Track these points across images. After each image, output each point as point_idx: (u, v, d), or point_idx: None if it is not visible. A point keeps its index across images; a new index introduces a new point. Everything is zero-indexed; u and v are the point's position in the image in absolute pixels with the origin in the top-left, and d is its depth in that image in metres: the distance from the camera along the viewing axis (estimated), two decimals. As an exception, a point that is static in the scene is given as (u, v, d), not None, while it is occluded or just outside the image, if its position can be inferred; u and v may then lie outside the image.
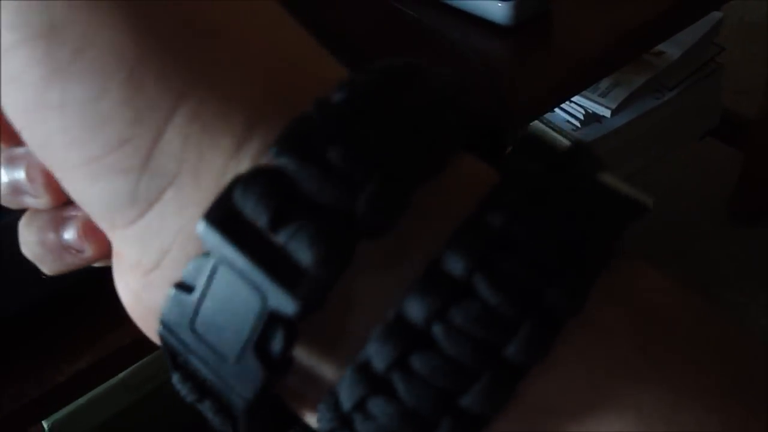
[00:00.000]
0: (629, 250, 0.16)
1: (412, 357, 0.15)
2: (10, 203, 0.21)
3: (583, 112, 1.18)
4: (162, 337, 0.17)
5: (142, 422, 0.77)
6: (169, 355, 0.17)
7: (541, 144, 0.17)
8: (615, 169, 1.26)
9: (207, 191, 0.16)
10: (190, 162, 0.16)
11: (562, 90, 0.76)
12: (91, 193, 0.17)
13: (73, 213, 0.20)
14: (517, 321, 0.15)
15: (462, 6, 0.76)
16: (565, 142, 0.17)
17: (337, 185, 0.15)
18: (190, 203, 0.16)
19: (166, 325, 0.16)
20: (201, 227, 0.15)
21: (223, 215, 0.15)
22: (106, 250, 0.20)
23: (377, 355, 0.15)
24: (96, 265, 0.21)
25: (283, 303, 0.15)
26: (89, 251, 0.20)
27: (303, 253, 0.15)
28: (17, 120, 0.17)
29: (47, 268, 0.22)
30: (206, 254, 0.16)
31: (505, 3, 0.73)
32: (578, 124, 1.19)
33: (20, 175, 0.20)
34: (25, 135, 0.17)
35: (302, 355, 0.16)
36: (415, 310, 0.15)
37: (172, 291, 0.16)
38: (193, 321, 0.16)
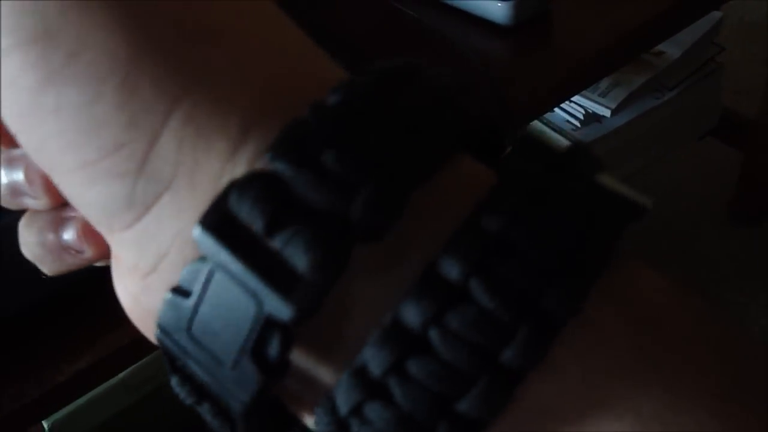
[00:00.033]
0: (628, 250, 0.16)
1: (409, 362, 0.15)
2: (9, 204, 0.21)
3: (583, 112, 1.18)
4: (159, 341, 0.17)
5: (142, 422, 0.77)
6: (167, 358, 0.17)
7: (539, 145, 0.17)
8: (615, 169, 1.26)
9: (203, 195, 0.16)
10: (186, 165, 0.16)
11: (562, 90, 0.76)
12: (88, 196, 0.17)
13: (72, 214, 0.20)
14: (513, 325, 0.15)
15: (462, 6, 0.76)
16: (565, 142, 0.17)
17: (332, 190, 0.15)
18: (187, 207, 0.16)
19: (163, 330, 0.16)
20: (197, 232, 0.15)
21: (218, 220, 0.15)
22: (105, 250, 0.20)
23: (373, 359, 0.15)
24: (96, 264, 0.21)
25: (279, 308, 0.15)
26: (89, 252, 0.20)
27: (298, 259, 0.15)
28: (13, 124, 0.17)
29: (47, 268, 0.22)
30: (203, 258, 0.16)
31: (505, 3, 0.73)
32: (578, 124, 1.19)
33: (19, 176, 0.20)
34: (21, 139, 0.17)
35: (300, 358, 0.16)
36: (411, 314, 0.15)
37: (169, 295, 0.16)
38: (189, 325, 0.16)
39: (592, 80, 0.91)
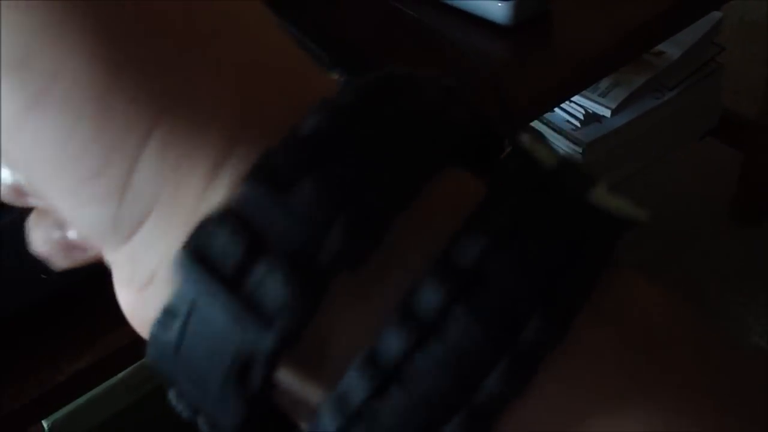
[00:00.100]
0: (622, 257, 0.16)
1: (389, 391, 0.15)
2: (15, 203, 0.21)
3: (583, 112, 1.18)
4: (151, 362, 0.17)
5: (142, 422, 0.77)
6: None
7: (528, 161, 0.17)
8: (615, 169, 1.26)
9: (187, 217, 0.16)
10: (168, 188, 0.16)
11: (562, 90, 0.76)
12: (76, 218, 0.17)
13: None
14: (492, 358, 0.15)
15: (462, 6, 0.76)
16: (557, 153, 0.17)
17: (306, 223, 0.15)
18: (172, 228, 0.16)
19: (153, 350, 0.16)
20: (176, 263, 0.15)
21: (195, 254, 0.15)
22: None
23: (353, 390, 0.15)
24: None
25: (258, 341, 0.15)
26: (93, 249, 0.20)
27: (276, 293, 0.15)
28: (3, 149, 0.17)
29: (57, 264, 0.22)
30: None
31: (505, 3, 0.73)
32: (578, 124, 1.19)
33: (22, 176, 0.20)
34: (8, 160, 0.17)
35: (286, 377, 0.16)
36: (389, 346, 0.15)
37: (158, 317, 0.16)
38: (177, 349, 0.16)
39: (592, 80, 0.91)
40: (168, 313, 0.16)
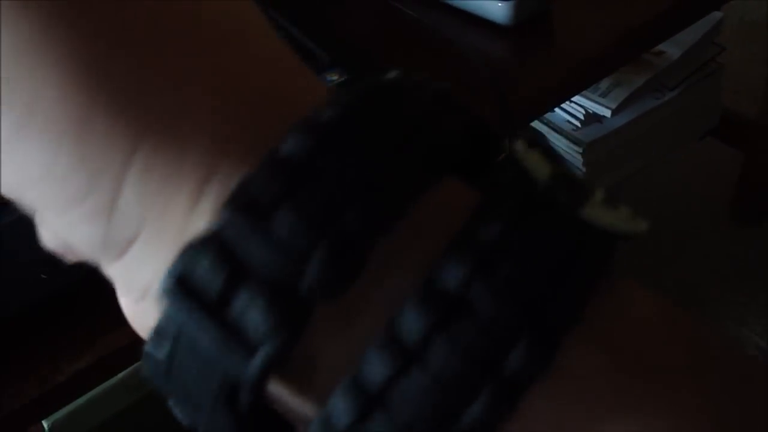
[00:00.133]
0: (620, 261, 0.16)
1: (372, 417, 0.15)
2: None
3: (583, 112, 1.18)
4: (148, 378, 0.17)
5: (142, 422, 0.77)
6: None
7: (519, 175, 0.16)
8: (615, 169, 1.25)
9: (176, 235, 0.16)
10: (155, 209, 0.16)
11: (562, 90, 0.76)
12: (69, 236, 0.17)
13: None
14: (474, 388, 0.15)
15: (462, 6, 0.76)
16: (551, 162, 0.17)
17: (285, 252, 0.15)
18: (163, 246, 0.16)
19: (147, 367, 0.17)
20: (161, 290, 0.15)
21: (180, 280, 0.15)
22: None
23: (338, 413, 0.15)
24: None
25: (242, 370, 0.15)
26: None
27: (257, 322, 0.15)
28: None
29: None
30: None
31: (505, 3, 0.73)
32: (578, 124, 1.19)
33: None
34: (5, 181, 0.17)
35: (278, 390, 0.16)
36: (373, 371, 0.15)
37: (150, 336, 0.16)
38: (169, 369, 0.16)
39: (592, 80, 0.91)
40: (158, 334, 0.16)
